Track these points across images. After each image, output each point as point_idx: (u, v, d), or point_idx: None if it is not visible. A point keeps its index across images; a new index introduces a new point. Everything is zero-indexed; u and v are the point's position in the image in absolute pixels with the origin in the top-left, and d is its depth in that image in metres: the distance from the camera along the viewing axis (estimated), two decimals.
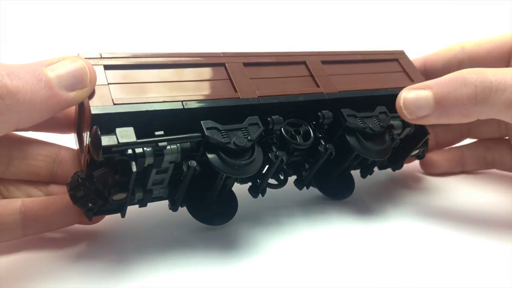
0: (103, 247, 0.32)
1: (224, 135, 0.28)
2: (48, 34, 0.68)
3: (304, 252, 0.32)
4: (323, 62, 0.36)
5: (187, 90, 0.30)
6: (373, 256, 0.32)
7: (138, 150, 0.26)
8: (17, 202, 0.30)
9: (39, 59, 0.27)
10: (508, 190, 0.42)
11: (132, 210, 0.31)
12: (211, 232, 0.34)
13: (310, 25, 0.81)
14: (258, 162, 0.30)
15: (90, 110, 0.26)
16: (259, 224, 0.35)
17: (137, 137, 0.26)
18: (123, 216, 0.31)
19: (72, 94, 0.26)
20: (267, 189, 0.35)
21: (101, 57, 0.29)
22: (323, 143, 0.33)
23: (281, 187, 0.35)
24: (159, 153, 0.27)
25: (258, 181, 0.33)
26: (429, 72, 0.41)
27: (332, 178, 0.38)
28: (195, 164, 0.28)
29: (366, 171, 0.39)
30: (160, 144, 0.27)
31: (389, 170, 0.42)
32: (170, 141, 0.27)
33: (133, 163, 0.26)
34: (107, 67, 0.28)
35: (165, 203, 0.32)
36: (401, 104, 0.33)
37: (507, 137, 0.43)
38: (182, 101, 0.28)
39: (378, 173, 0.42)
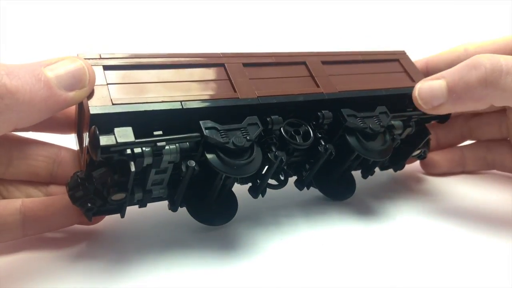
0: (102, 247, 0.32)
1: (223, 135, 0.28)
2: (48, 34, 0.68)
3: (304, 253, 0.32)
4: (323, 63, 0.36)
5: (186, 90, 0.30)
6: (373, 257, 0.32)
7: (137, 150, 0.26)
8: (17, 203, 0.30)
9: (39, 59, 0.27)
10: (508, 191, 0.41)
11: (132, 210, 0.31)
12: (210, 233, 0.34)
13: (310, 25, 0.81)
14: (257, 162, 0.30)
15: (89, 110, 0.26)
16: (259, 224, 0.35)
17: (136, 137, 0.26)
18: (122, 216, 0.31)
19: (71, 94, 0.26)
20: (268, 189, 0.35)
21: (100, 58, 0.29)
22: (323, 143, 0.33)
23: (281, 187, 0.35)
24: (158, 153, 0.27)
25: (258, 181, 0.33)
26: (431, 73, 0.41)
27: (333, 179, 0.38)
28: (194, 164, 0.28)
29: (367, 172, 0.39)
30: (159, 144, 0.27)
31: (389, 170, 0.42)
32: (168, 141, 0.27)
33: (132, 163, 0.26)
34: (106, 68, 0.28)
35: (164, 203, 0.32)
36: (416, 95, 0.34)
37: (508, 138, 0.43)
38: (181, 101, 0.28)
39: (378, 174, 0.42)
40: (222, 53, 0.33)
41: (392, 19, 0.85)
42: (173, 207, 0.31)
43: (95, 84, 0.27)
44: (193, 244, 0.32)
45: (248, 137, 0.29)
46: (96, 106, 0.26)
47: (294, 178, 0.36)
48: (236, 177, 0.32)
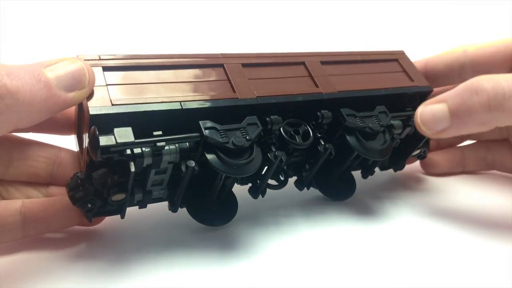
0: (102, 247, 0.32)
1: (222, 135, 0.28)
2: (48, 35, 0.68)
3: (304, 253, 0.32)
4: (322, 63, 0.36)
5: (186, 90, 0.30)
6: (373, 257, 0.32)
7: (137, 150, 0.26)
8: (17, 203, 0.30)
9: (39, 59, 0.27)
10: (508, 191, 0.41)
11: (132, 210, 0.31)
12: (210, 233, 0.34)
13: (310, 26, 0.81)
14: (257, 161, 0.30)
15: (88, 111, 0.26)
16: (259, 224, 0.35)
17: (136, 138, 0.26)
18: (122, 217, 0.31)
19: (71, 94, 0.26)
20: (267, 189, 0.35)
21: (100, 59, 0.29)
22: (322, 143, 0.33)
23: (281, 188, 0.35)
24: (157, 153, 0.27)
25: (258, 181, 0.33)
26: (430, 74, 0.41)
27: (333, 179, 0.38)
28: (194, 164, 0.28)
29: (367, 172, 0.39)
30: (159, 144, 0.27)
31: (389, 170, 0.42)
32: (168, 141, 0.27)
33: (132, 163, 0.26)
34: (105, 69, 0.28)
35: (164, 203, 0.32)
36: (419, 120, 0.33)
37: (508, 139, 0.43)
38: (180, 102, 0.28)
39: (378, 174, 0.42)
40: (221, 54, 0.33)
41: (391, 19, 0.85)
42: (173, 207, 0.31)
43: (95, 85, 0.27)
44: (193, 244, 0.32)
45: (247, 137, 0.29)
46: (95, 106, 0.26)
47: (294, 178, 0.36)
48: (236, 177, 0.32)
